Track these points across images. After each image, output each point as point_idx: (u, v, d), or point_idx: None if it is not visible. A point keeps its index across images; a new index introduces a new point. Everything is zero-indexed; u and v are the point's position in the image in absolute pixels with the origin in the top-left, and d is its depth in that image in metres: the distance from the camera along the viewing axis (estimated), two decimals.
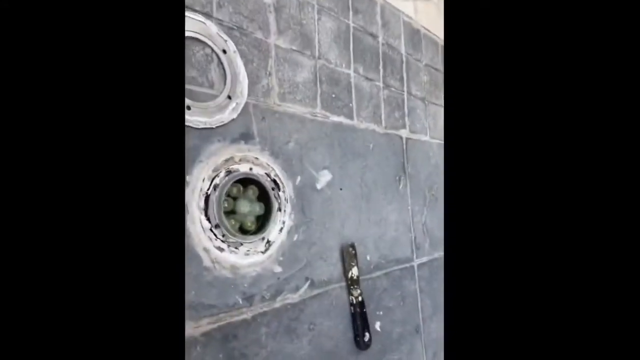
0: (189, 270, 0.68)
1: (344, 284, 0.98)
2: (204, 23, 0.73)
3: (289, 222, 0.87)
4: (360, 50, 1.13)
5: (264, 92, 0.85)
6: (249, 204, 0.80)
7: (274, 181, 0.84)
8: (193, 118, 0.70)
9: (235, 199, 0.79)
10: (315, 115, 0.97)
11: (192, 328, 0.67)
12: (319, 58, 0.99)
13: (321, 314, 0.92)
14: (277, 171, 0.86)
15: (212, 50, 0.75)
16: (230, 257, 0.74)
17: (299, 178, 0.91)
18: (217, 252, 0.73)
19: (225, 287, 0.73)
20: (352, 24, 1.10)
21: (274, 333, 0.81)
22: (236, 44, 0.79)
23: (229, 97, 0.77)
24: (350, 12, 1.10)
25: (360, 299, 1.00)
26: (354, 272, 0.99)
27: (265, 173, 0.83)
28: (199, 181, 0.72)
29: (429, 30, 1.47)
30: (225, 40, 0.77)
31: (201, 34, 0.73)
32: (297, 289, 0.87)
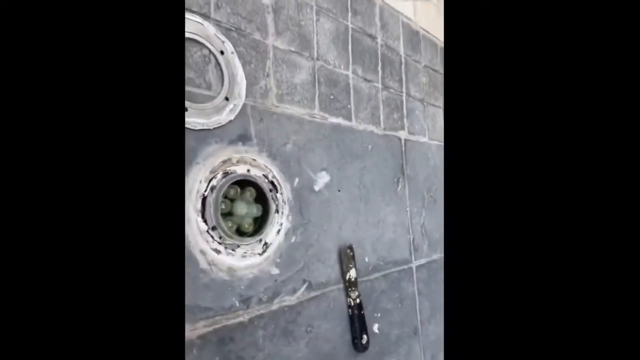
0: (186, 272, 0.67)
1: (341, 286, 0.98)
2: (201, 24, 0.73)
3: (286, 224, 0.87)
4: (359, 52, 1.12)
5: (262, 94, 0.85)
6: (247, 205, 0.80)
7: (272, 183, 0.84)
8: (190, 119, 0.70)
9: (232, 200, 0.79)
10: (314, 117, 0.96)
11: (189, 331, 0.67)
12: (317, 59, 0.99)
13: (319, 316, 0.91)
14: (275, 173, 0.85)
15: (210, 51, 0.75)
16: (227, 259, 0.74)
17: (296, 180, 0.90)
18: (214, 254, 0.72)
19: (221, 289, 0.73)
20: (350, 25, 1.10)
21: (271, 336, 0.80)
22: (234, 45, 0.79)
23: (227, 99, 0.76)
24: (349, 13, 1.10)
25: (358, 301, 0.99)
26: (352, 274, 0.99)
27: (263, 175, 0.83)
28: (196, 183, 0.71)
29: (428, 32, 1.47)
30: (223, 42, 0.77)
31: (199, 35, 0.72)
32: (294, 291, 0.86)
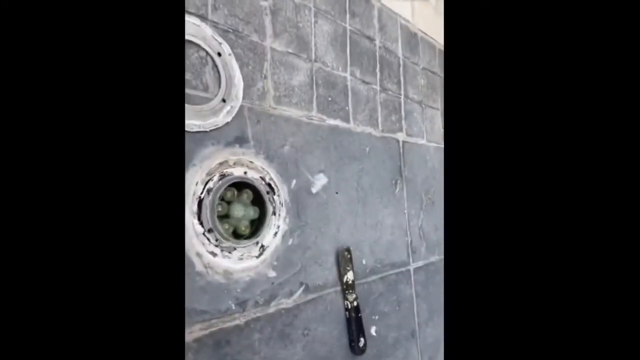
0: None
1: (339, 288, 0.98)
2: (198, 25, 0.73)
3: (283, 226, 0.86)
4: (357, 54, 1.12)
5: (259, 95, 0.84)
6: (243, 208, 0.79)
7: (269, 185, 0.84)
8: (187, 121, 0.69)
9: (229, 203, 0.78)
10: (311, 119, 0.96)
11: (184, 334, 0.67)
12: (315, 61, 0.99)
13: (316, 319, 0.91)
14: (272, 175, 0.85)
15: (207, 53, 0.74)
16: (223, 262, 0.74)
17: (294, 182, 0.90)
18: (210, 257, 0.72)
19: (218, 292, 0.72)
20: (349, 27, 1.10)
21: (268, 339, 0.80)
22: (231, 47, 0.79)
23: (224, 100, 0.76)
24: (347, 15, 1.10)
25: (355, 303, 0.99)
26: (349, 276, 0.99)
27: (260, 177, 0.82)
28: (192, 185, 0.71)
29: (426, 34, 1.47)
30: (220, 43, 0.76)
31: (196, 37, 0.72)
32: (291, 294, 0.86)
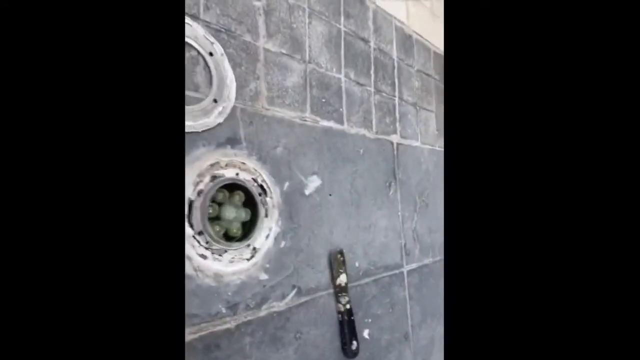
0: None
1: (331, 291, 0.97)
2: (190, 25, 0.72)
3: (275, 229, 0.86)
4: (352, 55, 1.12)
5: (252, 96, 0.83)
6: (235, 210, 0.78)
7: (261, 187, 0.83)
8: None
9: (220, 204, 0.77)
10: (305, 120, 0.95)
11: None
12: (309, 62, 0.98)
13: (308, 322, 0.90)
14: (265, 176, 0.84)
15: (198, 52, 0.73)
16: (213, 264, 0.73)
17: (287, 184, 0.89)
18: (200, 259, 0.71)
19: (208, 295, 0.71)
20: (343, 29, 1.10)
21: (259, 342, 0.79)
22: (224, 47, 0.78)
23: (215, 101, 0.75)
24: (342, 17, 1.09)
25: (348, 306, 0.98)
26: (342, 279, 0.98)
27: (252, 178, 0.81)
28: None
29: (421, 36, 1.47)
30: (212, 43, 0.75)
31: (187, 36, 0.71)
32: (283, 297, 0.85)
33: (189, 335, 0.68)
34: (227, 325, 0.74)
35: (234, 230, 0.79)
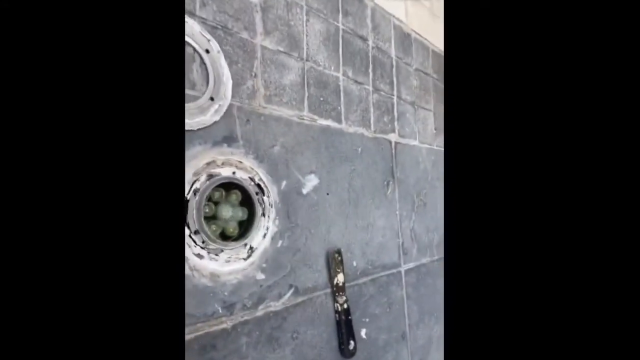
0: None
1: (329, 290, 0.96)
2: (186, 21, 0.71)
3: (273, 228, 0.85)
4: (350, 53, 1.11)
5: (249, 94, 0.83)
6: (232, 209, 0.78)
7: (258, 185, 0.82)
8: None
9: (217, 203, 0.76)
10: (302, 119, 0.95)
11: None
12: (307, 60, 0.97)
13: (305, 322, 0.89)
14: (262, 175, 0.83)
15: (194, 49, 0.72)
16: (210, 264, 0.72)
17: (284, 182, 0.89)
18: (196, 259, 0.70)
19: (204, 295, 0.70)
20: (341, 27, 1.09)
21: (255, 343, 0.78)
22: (220, 44, 0.77)
23: (212, 99, 0.74)
24: (340, 15, 1.09)
25: (345, 306, 0.98)
26: (340, 278, 0.98)
27: (249, 177, 0.81)
28: None
29: (419, 35, 1.47)
30: (209, 40, 0.74)
31: None
32: (280, 296, 0.85)
33: (185, 336, 0.67)
34: (224, 326, 0.73)
35: (231, 230, 0.78)
